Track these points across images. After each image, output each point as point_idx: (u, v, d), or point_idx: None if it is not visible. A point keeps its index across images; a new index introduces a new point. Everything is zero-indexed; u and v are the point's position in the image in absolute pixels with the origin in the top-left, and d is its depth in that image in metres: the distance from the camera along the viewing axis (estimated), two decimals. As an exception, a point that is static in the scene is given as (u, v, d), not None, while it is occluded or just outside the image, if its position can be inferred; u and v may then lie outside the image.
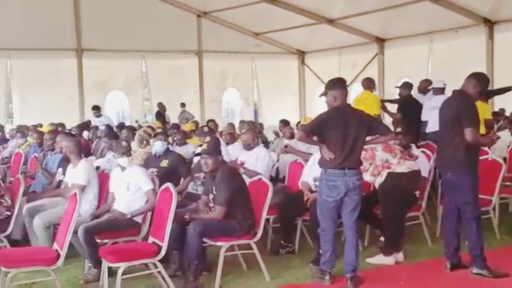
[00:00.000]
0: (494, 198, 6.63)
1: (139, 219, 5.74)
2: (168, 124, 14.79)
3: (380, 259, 5.93)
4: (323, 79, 17.54)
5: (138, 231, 5.73)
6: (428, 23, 14.06)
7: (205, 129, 9.14)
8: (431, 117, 8.45)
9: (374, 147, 5.93)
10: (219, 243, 5.41)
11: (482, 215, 5.63)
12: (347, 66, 16.94)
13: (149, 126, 10.50)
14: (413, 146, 6.59)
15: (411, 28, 14.74)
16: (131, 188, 5.81)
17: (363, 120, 5.26)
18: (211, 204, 5.60)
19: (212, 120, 12.23)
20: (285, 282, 5.48)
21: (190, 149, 9.19)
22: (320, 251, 5.45)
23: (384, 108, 10.28)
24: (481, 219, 5.50)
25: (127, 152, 5.98)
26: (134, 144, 8.55)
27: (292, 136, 8.81)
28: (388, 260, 5.90)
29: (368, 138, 5.29)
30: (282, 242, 6.35)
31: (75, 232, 5.14)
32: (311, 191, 6.23)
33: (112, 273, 5.15)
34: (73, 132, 11.81)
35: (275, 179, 7.48)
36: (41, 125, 12.99)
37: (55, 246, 5.01)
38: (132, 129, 10.34)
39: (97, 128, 12.20)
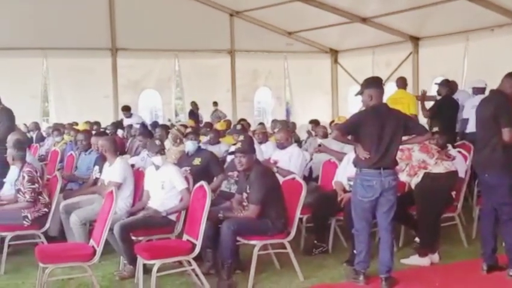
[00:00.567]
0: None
1: (173, 217, 5.78)
2: (201, 123, 14.88)
3: (415, 260, 5.87)
4: (356, 78, 17.41)
5: (172, 229, 5.77)
6: (463, 21, 13.82)
7: (238, 127, 9.16)
8: (472, 117, 8.35)
9: (411, 148, 5.87)
10: (252, 242, 5.41)
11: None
12: (381, 65, 16.76)
13: (183, 125, 10.59)
14: (450, 146, 6.50)
15: (446, 26, 14.50)
16: (165, 186, 5.86)
17: (399, 119, 5.21)
18: (244, 203, 5.61)
19: (244, 120, 12.24)
20: (319, 282, 5.47)
21: (222, 147, 9.22)
22: (354, 251, 5.42)
23: (422, 107, 10.10)
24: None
25: (161, 150, 6.02)
26: (168, 143, 8.61)
27: (325, 135, 8.78)
28: (423, 261, 5.84)
29: (405, 138, 5.24)
30: (315, 241, 6.33)
31: (111, 229, 5.20)
32: (345, 191, 6.20)
33: (146, 270, 5.21)
34: (108, 131, 11.98)
35: (308, 178, 7.46)
36: (76, 124, 13.21)
37: (92, 242, 5.08)
38: (166, 128, 10.40)
39: (131, 126, 12.33)
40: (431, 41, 15.69)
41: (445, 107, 9.48)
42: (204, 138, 9.71)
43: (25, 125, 13.78)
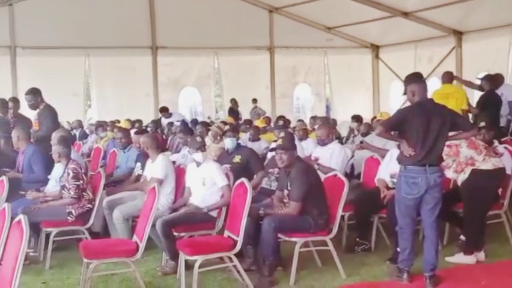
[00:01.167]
0: None
1: (214, 213, 5.79)
2: (240, 120, 14.91)
3: (460, 258, 5.75)
4: (397, 74, 17.18)
5: (213, 226, 5.79)
6: (509, 14, 13.45)
7: (280, 122, 9.13)
8: None
9: (459, 144, 5.74)
10: (293, 239, 5.39)
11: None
12: (423, 60, 16.48)
13: (223, 122, 10.62)
14: (496, 142, 6.33)
15: (491, 20, 14.15)
16: (206, 183, 5.87)
17: (445, 115, 5.10)
18: (285, 200, 5.58)
19: (283, 117, 12.20)
20: (361, 280, 5.40)
21: (262, 144, 9.21)
22: (397, 249, 5.34)
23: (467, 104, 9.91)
24: None
25: (202, 147, 6.04)
26: (208, 140, 8.64)
27: (367, 132, 8.68)
28: (469, 259, 5.71)
29: (451, 133, 5.13)
30: (357, 239, 6.26)
31: (153, 225, 5.23)
32: (388, 188, 6.11)
33: (188, 266, 5.24)
34: (149, 129, 12.11)
35: (350, 175, 7.39)
36: (118, 121, 13.39)
37: (135, 238, 5.12)
38: (206, 125, 10.45)
39: (171, 124, 12.43)
40: (475, 35, 15.33)
41: (489, 102, 9.29)
42: (243, 135, 9.72)
43: (68, 122, 14.04)
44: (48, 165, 6.93)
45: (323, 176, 5.97)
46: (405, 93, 5.21)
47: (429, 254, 5.08)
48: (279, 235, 5.36)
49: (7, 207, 3.83)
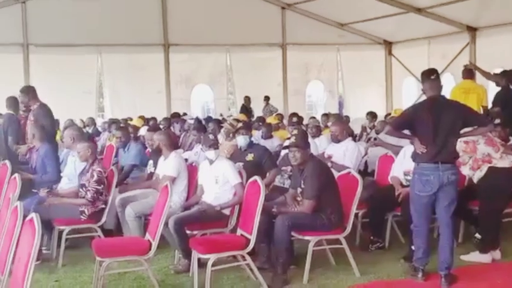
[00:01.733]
0: None
1: (227, 211, 5.77)
2: (253, 117, 14.86)
3: (475, 256, 5.69)
4: (410, 70, 17.06)
5: (226, 224, 5.77)
6: (525, 10, 13.33)
7: (295, 119, 9.07)
8: None
9: (476, 140, 5.67)
10: (307, 238, 5.35)
11: None
12: (436, 56, 16.34)
13: (235, 119, 10.58)
14: (512, 139, 6.26)
15: (505, 16, 13.99)
16: (219, 181, 5.84)
17: (457, 111, 5.04)
18: (299, 198, 5.54)
19: (295, 114, 12.14)
20: (376, 279, 5.35)
21: (275, 142, 9.17)
22: (412, 247, 5.29)
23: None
24: None
25: (214, 144, 6.01)
26: (220, 137, 8.61)
27: (382, 130, 8.60)
28: (484, 258, 5.65)
29: (467, 129, 5.06)
30: (371, 237, 6.20)
31: (165, 223, 5.21)
32: (402, 186, 6.05)
33: (201, 264, 5.21)
34: (161, 126, 12.09)
35: (364, 172, 7.32)
36: (130, 119, 13.40)
37: (147, 236, 5.10)
38: (218, 122, 10.43)
39: (184, 121, 12.41)
40: (489, 31, 15.18)
41: (504, 99, 9.17)
42: (256, 133, 9.68)
43: (81, 120, 14.07)
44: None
45: (336, 174, 5.92)
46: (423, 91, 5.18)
47: (445, 253, 5.02)
48: (293, 233, 5.32)
49: (19, 206, 3.82)
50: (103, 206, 6.23)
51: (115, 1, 15.79)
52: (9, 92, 8.87)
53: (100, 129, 13.81)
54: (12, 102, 8.38)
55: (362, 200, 5.76)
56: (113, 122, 12.55)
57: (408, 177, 5.80)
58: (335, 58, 18.91)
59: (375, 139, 7.53)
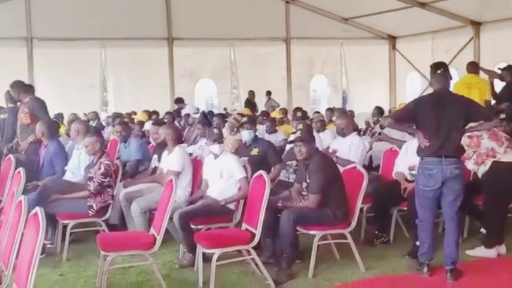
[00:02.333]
0: None
1: (232, 206, 5.76)
2: (257, 112, 14.83)
3: (481, 251, 5.68)
4: (414, 65, 17.00)
5: (231, 218, 5.76)
6: (528, 4, 13.26)
7: (299, 113, 9.05)
8: None
9: (480, 135, 5.63)
10: (312, 232, 5.34)
11: None
12: (440, 51, 16.25)
13: (240, 114, 10.56)
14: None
15: (509, 10, 13.90)
16: (224, 175, 5.84)
17: (461, 105, 5.01)
18: (304, 193, 5.53)
19: (300, 108, 12.12)
20: (381, 273, 5.34)
21: (279, 136, 9.15)
22: (417, 243, 5.28)
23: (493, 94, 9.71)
24: None
25: (219, 139, 6.00)
26: (225, 132, 8.60)
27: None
28: (490, 253, 5.64)
29: (472, 124, 5.04)
30: (376, 232, 6.19)
31: (170, 218, 5.19)
32: (407, 181, 6.03)
33: (206, 258, 5.21)
34: (165, 120, 12.07)
35: (368, 167, 7.29)
36: (134, 113, 13.39)
37: (152, 231, 5.10)
38: (223, 117, 10.41)
39: (188, 115, 12.40)
40: (493, 25, 15.11)
41: (510, 94, 9.13)
42: (260, 127, 9.66)
43: (85, 114, 14.06)
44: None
45: (341, 169, 5.90)
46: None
47: (450, 247, 5.01)
48: (298, 228, 5.31)
49: (24, 200, 3.81)
50: (111, 202, 6.22)
51: (118, -5, 15.77)
52: (14, 86, 8.85)
53: (103, 123, 13.80)
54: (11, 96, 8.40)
55: (366, 195, 5.73)
56: (117, 116, 12.54)
57: (413, 172, 5.79)
58: (338, 53, 18.83)
59: (379, 134, 7.49)
